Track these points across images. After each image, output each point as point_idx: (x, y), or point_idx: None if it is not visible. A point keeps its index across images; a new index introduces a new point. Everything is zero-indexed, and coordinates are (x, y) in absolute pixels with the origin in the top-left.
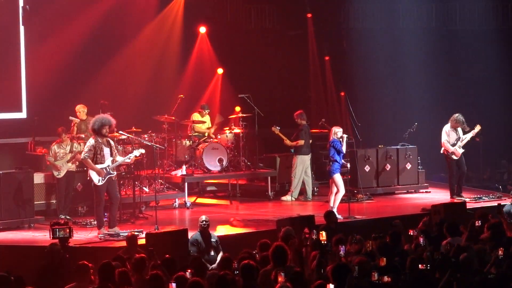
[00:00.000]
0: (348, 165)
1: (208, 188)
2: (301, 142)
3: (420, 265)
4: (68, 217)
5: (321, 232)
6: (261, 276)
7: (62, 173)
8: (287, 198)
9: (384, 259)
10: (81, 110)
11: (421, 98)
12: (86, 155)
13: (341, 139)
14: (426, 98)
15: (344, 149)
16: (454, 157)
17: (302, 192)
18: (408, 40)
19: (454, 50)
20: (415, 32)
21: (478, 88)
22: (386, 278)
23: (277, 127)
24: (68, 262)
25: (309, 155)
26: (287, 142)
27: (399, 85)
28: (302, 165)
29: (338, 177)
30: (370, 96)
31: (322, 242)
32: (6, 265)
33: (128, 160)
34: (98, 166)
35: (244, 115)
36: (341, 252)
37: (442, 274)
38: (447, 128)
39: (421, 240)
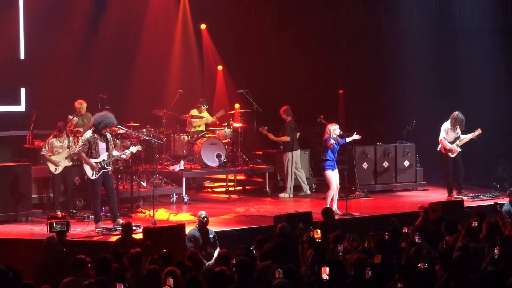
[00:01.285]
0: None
1: (206, 184)
2: (287, 138)
3: (420, 264)
4: (74, 211)
5: (316, 230)
6: (259, 272)
7: (60, 169)
8: (284, 195)
9: (379, 256)
10: (81, 105)
11: (420, 96)
12: (79, 150)
13: (337, 136)
14: (425, 96)
15: (330, 155)
16: (450, 154)
17: (298, 187)
18: (407, 37)
19: (454, 48)
20: (414, 30)
21: (477, 86)
22: (399, 285)
23: (265, 127)
24: (65, 256)
25: (298, 151)
26: (272, 137)
27: (398, 83)
28: (292, 161)
29: (327, 174)
30: (368, 94)
31: (317, 240)
32: (3, 258)
33: (124, 156)
34: (92, 160)
35: (243, 110)
36: (340, 250)
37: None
38: (446, 125)
39: (417, 238)
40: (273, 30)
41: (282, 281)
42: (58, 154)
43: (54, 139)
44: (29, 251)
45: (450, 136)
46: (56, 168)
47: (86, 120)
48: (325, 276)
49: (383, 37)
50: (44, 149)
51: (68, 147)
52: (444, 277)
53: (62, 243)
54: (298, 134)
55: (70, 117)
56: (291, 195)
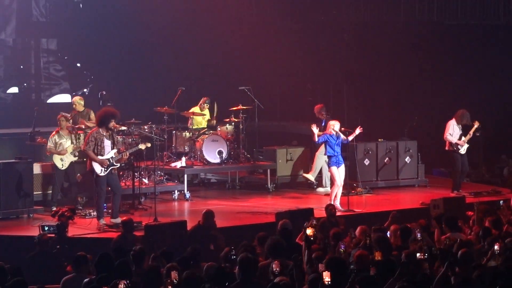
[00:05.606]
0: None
1: (207, 180)
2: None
3: (418, 254)
4: (80, 207)
5: (309, 226)
6: (261, 269)
7: (66, 164)
8: (310, 176)
9: (380, 253)
10: (77, 102)
11: (422, 92)
12: (87, 148)
13: (335, 133)
14: (427, 92)
15: (329, 151)
16: (460, 150)
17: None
18: (409, 33)
19: (454, 45)
20: (416, 26)
21: (478, 82)
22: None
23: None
24: (65, 252)
25: None
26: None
27: (400, 79)
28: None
29: (331, 170)
30: (371, 89)
31: (310, 237)
32: (4, 255)
33: (131, 151)
34: (99, 158)
35: (245, 107)
36: (342, 247)
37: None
38: (452, 123)
39: (418, 234)
40: (274, 26)
41: (283, 279)
42: (64, 150)
43: (56, 136)
44: (29, 248)
45: (456, 133)
46: (62, 164)
47: (83, 117)
48: (326, 280)
49: (386, 32)
50: (49, 146)
51: (72, 142)
52: (443, 271)
53: (61, 241)
54: None
55: (63, 113)
56: (314, 179)
